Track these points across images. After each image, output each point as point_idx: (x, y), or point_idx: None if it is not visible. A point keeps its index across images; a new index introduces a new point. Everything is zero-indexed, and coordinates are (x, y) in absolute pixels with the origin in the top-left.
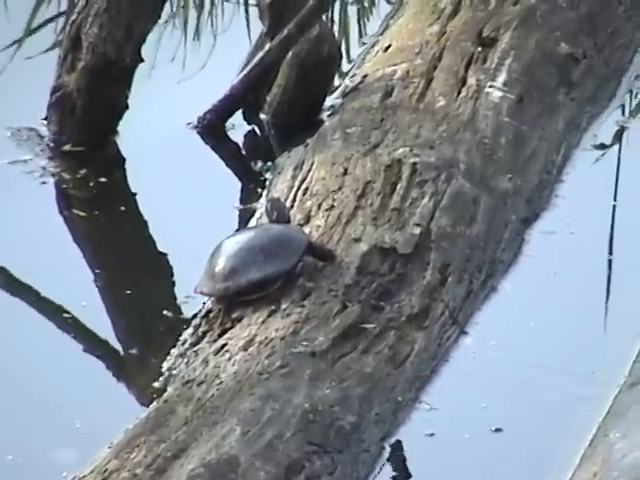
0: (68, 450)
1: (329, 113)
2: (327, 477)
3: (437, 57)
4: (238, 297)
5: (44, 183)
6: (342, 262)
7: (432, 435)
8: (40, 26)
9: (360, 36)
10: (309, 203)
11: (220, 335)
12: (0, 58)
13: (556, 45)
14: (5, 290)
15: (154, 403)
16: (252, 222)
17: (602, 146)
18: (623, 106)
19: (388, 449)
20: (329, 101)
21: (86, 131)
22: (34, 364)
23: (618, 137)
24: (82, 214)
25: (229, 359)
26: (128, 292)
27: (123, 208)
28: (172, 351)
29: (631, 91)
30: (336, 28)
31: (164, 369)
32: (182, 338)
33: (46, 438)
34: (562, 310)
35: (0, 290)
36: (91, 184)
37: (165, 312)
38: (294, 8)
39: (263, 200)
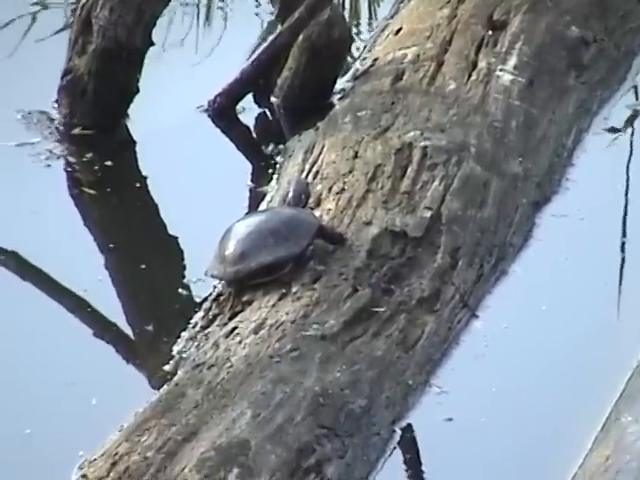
0: (83, 427)
1: (340, 96)
2: (337, 460)
3: (448, 41)
4: (249, 280)
5: (49, 166)
6: (353, 245)
7: (450, 420)
8: (49, 5)
9: (371, 19)
10: (320, 186)
11: (231, 318)
12: (12, 40)
13: (566, 28)
14: (17, 273)
15: (165, 386)
16: (263, 205)
17: (613, 130)
18: (636, 90)
19: (399, 432)
20: (340, 84)
21: (96, 114)
22: (47, 345)
23: (630, 121)
24: (86, 197)
25: (240, 342)
26: (138, 275)
27: (129, 191)
28: (183, 334)
29: None
30: (347, 11)
31: (175, 352)
32: (193, 321)
33: (62, 414)
34: (573, 294)
35: (14, 273)
36: (96, 167)
37: (176, 295)
38: None
39: (274, 183)
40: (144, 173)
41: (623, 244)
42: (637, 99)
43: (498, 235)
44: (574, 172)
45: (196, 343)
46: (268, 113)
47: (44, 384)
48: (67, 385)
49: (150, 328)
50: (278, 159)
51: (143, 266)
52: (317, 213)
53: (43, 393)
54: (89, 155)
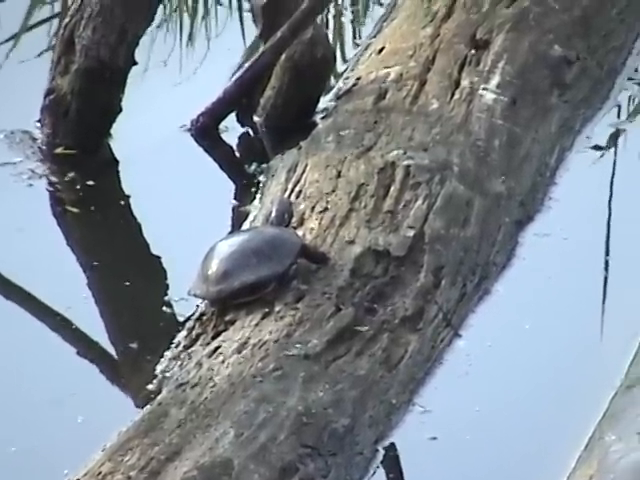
0: (68, 445)
1: (322, 115)
2: None
3: (430, 60)
4: (232, 300)
5: (31, 185)
6: (336, 264)
7: (434, 439)
8: (33, 26)
9: (354, 38)
10: (303, 206)
11: (214, 338)
12: None
13: (549, 47)
14: (0, 292)
15: (148, 406)
16: (246, 224)
17: (596, 148)
18: (619, 109)
19: (382, 452)
20: (322, 103)
21: (79, 134)
22: (32, 363)
23: (613, 140)
24: (69, 215)
25: (223, 362)
26: (121, 294)
27: (112, 210)
28: (166, 353)
29: (630, 96)
30: (330, 31)
31: (158, 371)
32: (176, 340)
33: (48, 432)
34: (557, 313)
35: None
36: (78, 187)
37: (159, 314)
38: (288, 11)
39: (257, 202)
40: (127, 192)
41: (606, 263)
42: (619, 118)
43: (481, 254)
44: (557, 191)
45: (179, 362)
46: (251, 132)
47: (29, 402)
48: (52, 403)
49: (134, 347)
50: (261, 178)
51: (126, 284)
52: (300, 232)
53: (28, 411)
54: (71, 174)
